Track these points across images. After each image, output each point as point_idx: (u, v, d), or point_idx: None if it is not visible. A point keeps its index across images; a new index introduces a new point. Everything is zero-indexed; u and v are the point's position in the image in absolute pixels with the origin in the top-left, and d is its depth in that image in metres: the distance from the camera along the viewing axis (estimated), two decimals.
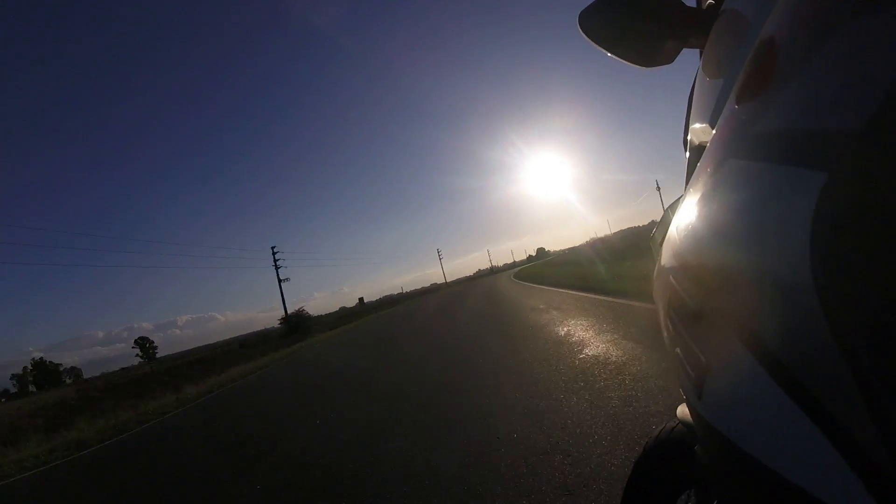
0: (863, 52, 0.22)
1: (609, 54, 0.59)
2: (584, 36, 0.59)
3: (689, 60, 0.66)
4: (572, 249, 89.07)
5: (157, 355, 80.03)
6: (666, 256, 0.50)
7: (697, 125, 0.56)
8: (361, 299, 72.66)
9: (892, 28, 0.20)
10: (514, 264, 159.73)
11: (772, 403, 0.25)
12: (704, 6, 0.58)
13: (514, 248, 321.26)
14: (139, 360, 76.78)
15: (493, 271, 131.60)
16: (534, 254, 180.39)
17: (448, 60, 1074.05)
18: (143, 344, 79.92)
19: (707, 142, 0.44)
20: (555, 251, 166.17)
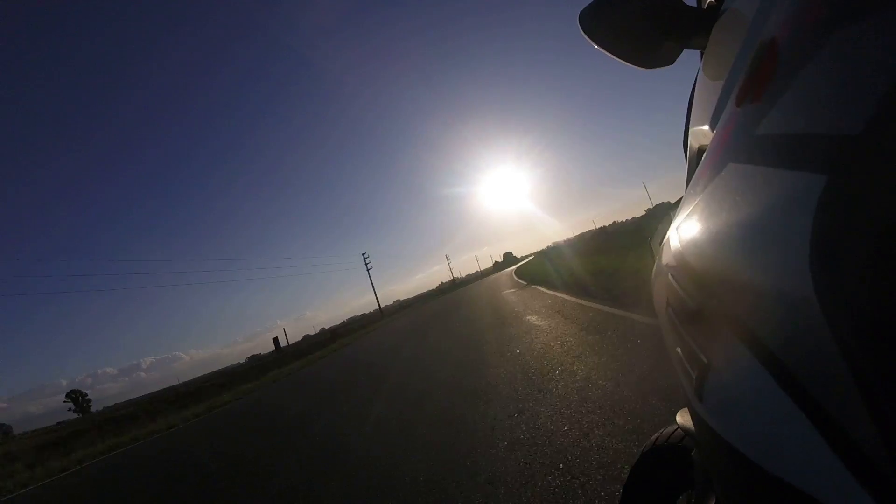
0: (863, 53, 0.21)
1: (610, 55, 0.60)
2: (585, 36, 0.60)
3: (689, 62, 0.68)
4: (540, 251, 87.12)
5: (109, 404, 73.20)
6: (665, 257, 0.50)
7: (697, 128, 0.56)
8: (276, 341, 41.45)
9: (892, 29, 0.20)
10: (481, 273, 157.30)
11: (773, 405, 0.24)
12: (705, 5, 0.58)
13: (479, 255, 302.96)
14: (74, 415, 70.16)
15: (456, 283, 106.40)
16: (500, 259, 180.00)
17: (410, 64, 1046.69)
18: (76, 398, 73.82)
19: (707, 145, 0.45)
20: (522, 255, 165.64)
